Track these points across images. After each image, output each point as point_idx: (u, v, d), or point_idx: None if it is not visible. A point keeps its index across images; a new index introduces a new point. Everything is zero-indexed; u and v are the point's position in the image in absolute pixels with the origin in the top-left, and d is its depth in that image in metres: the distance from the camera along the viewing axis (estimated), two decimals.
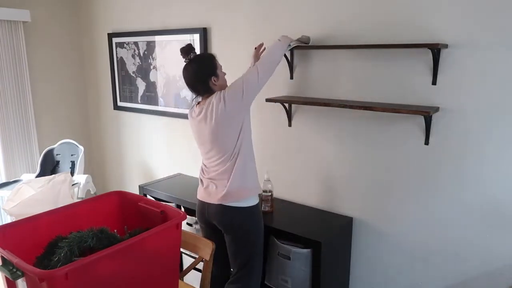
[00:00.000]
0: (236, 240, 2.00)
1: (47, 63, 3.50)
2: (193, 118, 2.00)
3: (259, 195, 2.07)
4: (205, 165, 2.04)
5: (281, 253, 2.17)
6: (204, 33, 2.74)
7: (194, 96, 2.04)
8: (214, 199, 1.96)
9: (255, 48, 2.25)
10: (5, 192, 2.87)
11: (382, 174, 2.18)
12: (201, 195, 2.05)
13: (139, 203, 1.55)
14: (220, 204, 1.94)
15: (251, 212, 1.97)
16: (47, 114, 3.56)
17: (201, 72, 1.92)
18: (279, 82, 2.45)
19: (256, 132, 2.64)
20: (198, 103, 2.01)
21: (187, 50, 1.93)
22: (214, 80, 1.93)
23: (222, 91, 1.91)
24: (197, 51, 2.77)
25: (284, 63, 2.39)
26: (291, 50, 2.36)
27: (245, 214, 1.96)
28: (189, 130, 3.02)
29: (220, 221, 1.98)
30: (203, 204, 2.03)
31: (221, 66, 1.98)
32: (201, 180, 2.07)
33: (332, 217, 2.34)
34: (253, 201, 1.98)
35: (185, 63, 1.95)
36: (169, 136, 3.19)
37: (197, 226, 2.58)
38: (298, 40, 2.22)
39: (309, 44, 2.28)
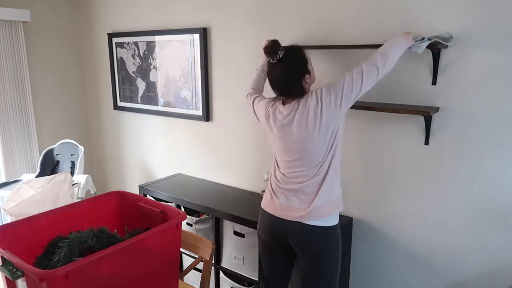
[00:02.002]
0: (317, 263, 1.75)
1: (47, 63, 3.50)
2: (277, 120, 1.74)
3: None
4: (283, 174, 1.77)
5: None
6: (204, 33, 2.74)
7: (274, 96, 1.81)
8: (293, 216, 1.70)
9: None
10: (5, 192, 2.87)
11: (382, 174, 2.18)
12: (274, 209, 1.77)
13: (139, 203, 1.55)
14: (300, 222, 1.69)
15: (334, 231, 1.75)
16: (47, 114, 3.56)
17: (294, 73, 1.68)
18: None
19: (255, 133, 2.64)
20: (283, 101, 1.76)
21: (274, 49, 1.67)
22: (307, 78, 1.70)
23: (318, 91, 1.66)
24: (197, 51, 2.79)
25: None
26: None
27: (329, 234, 1.72)
28: (189, 131, 3.03)
29: (300, 242, 1.74)
30: (276, 220, 1.76)
31: (310, 59, 1.74)
32: (274, 191, 1.79)
33: None
34: (336, 219, 1.76)
35: (271, 62, 1.70)
36: (169, 136, 3.19)
37: (197, 226, 2.58)
38: (436, 36, 1.77)
39: (312, 45, 2.27)
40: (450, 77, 1.90)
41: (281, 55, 1.67)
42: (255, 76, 2.11)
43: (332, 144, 1.69)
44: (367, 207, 2.26)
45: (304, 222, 1.70)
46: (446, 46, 1.82)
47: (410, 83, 2.01)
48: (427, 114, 1.86)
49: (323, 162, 1.69)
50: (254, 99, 1.95)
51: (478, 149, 1.88)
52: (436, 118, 1.96)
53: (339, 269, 1.84)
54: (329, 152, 1.69)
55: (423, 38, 1.75)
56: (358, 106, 2.02)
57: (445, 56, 1.89)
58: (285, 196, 1.75)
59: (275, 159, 1.85)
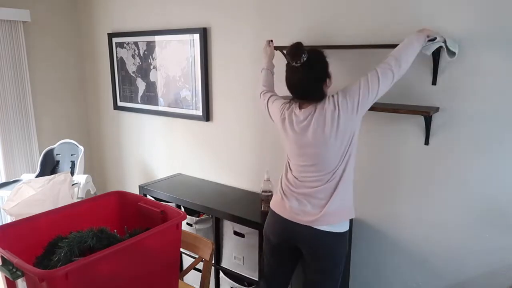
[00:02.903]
0: (324, 267, 1.74)
1: (47, 63, 3.50)
2: (293, 124, 1.72)
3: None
4: (296, 178, 1.75)
5: None
6: (204, 33, 2.74)
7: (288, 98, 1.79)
8: (304, 220, 1.69)
9: (268, 41, 2.14)
10: (5, 192, 2.87)
11: (382, 174, 2.18)
12: (285, 211, 1.75)
13: (139, 203, 1.55)
14: (310, 227, 1.68)
15: (344, 237, 1.73)
16: (47, 114, 3.56)
17: (317, 77, 1.65)
18: (280, 82, 2.45)
19: (255, 133, 2.64)
20: (299, 105, 1.74)
21: (298, 53, 1.61)
22: (328, 82, 1.68)
23: (335, 96, 1.65)
24: (197, 51, 2.79)
25: (284, 63, 2.38)
26: None
27: (338, 239, 1.71)
28: (189, 131, 3.03)
29: (310, 246, 1.73)
30: (287, 223, 1.75)
31: (329, 62, 1.71)
32: (284, 193, 1.78)
33: None
34: (347, 225, 1.74)
35: (293, 66, 1.64)
36: (169, 136, 3.19)
37: (197, 226, 2.58)
38: (445, 41, 1.75)
39: (312, 45, 2.27)
40: (450, 77, 1.90)
41: (305, 59, 1.62)
42: (264, 76, 2.09)
43: (347, 150, 1.67)
44: (367, 207, 2.26)
45: (314, 226, 1.69)
46: (453, 54, 1.77)
47: (410, 83, 2.00)
48: (427, 114, 1.86)
49: (338, 168, 1.67)
50: (269, 98, 1.92)
51: (478, 149, 1.88)
52: (436, 118, 1.96)
53: (340, 278, 1.84)
54: (344, 158, 1.67)
55: (435, 38, 1.71)
56: None
57: (445, 56, 1.88)
58: (296, 200, 1.74)
59: (288, 162, 1.82)
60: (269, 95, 1.94)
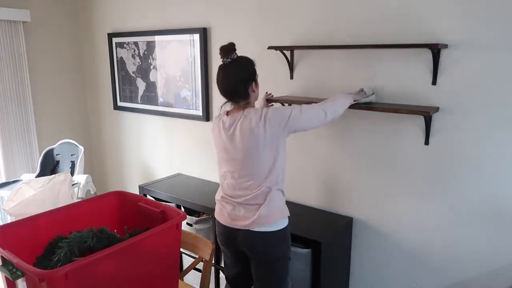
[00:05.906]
0: (266, 267, 1.81)
1: (47, 63, 3.50)
2: (221, 130, 1.78)
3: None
4: (229, 186, 1.82)
5: None
6: (204, 33, 2.74)
7: (222, 104, 1.86)
8: (240, 224, 1.77)
9: (266, 92, 2.27)
10: (5, 192, 2.87)
11: (382, 174, 2.18)
12: (224, 219, 1.83)
13: (139, 203, 1.55)
14: (247, 230, 1.76)
15: (281, 234, 1.79)
16: (47, 114, 3.56)
17: (245, 75, 1.74)
18: (279, 82, 2.45)
19: None
20: (227, 113, 1.81)
21: (229, 50, 1.72)
22: (254, 87, 1.77)
23: (265, 109, 1.72)
24: (197, 51, 2.79)
25: (284, 63, 2.39)
26: (291, 50, 2.36)
27: (276, 238, 1.77)
28: (189, 130, 3.03)
29: (249, 248, 1.80)
30: (227, 229, 1.83)
31: (257, 75, 1.82)
32: (222, 201, 1.86)
33: (332, 217, 2.34)
34: (284, 222, 1.80)
35: (223, 63, 1.75)
36: (169, 136, 3.19)
37: (197, 226, 2.58)
38: (360, 95, 2.04)
39: (312, 45, 2.27)
40: (450, 77, 1.90)
41: (235, 57, 1.73)
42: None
43: (277, 156, 1.74)
44: (367, 207, 2.26)
45: (251, 229, 1.76)
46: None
47: (410, 83, 2.01)
48: (427, 114, 1.86)
49: (268, 174, 1.74)
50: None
51: (478, 149, 1.88)
52: (436, 118, 1.96)
53: (289, 272, 1.88)
54: (273, 163, 1.74)
55: (363, 92, 2.05)
56: (358, 106, 2.02)
57: (445, 56, 1.89)
58: (232, 206, 1.81)
59: (221, 170, 1.89)
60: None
